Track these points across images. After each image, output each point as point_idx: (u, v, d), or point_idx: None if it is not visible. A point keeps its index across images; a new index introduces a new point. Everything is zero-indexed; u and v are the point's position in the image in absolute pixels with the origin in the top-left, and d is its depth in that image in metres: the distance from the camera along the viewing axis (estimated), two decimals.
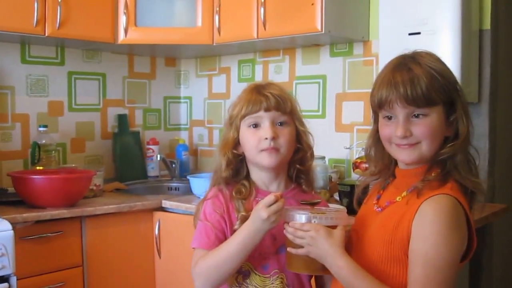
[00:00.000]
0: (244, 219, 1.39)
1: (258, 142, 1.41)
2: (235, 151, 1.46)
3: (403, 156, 1.29)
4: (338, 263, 1.24)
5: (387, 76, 1.27)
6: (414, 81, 1.23)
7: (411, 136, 1.25)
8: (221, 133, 3.26)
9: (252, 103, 1.42)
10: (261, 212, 1.29)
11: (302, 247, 1.28)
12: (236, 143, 1.46)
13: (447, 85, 1.25)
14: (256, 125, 1.42)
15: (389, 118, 1.28)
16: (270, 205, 1.29)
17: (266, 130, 1.41)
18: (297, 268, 1.34)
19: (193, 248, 1.43)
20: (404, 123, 1.25)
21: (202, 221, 1.44)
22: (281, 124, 1.43)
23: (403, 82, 1.23)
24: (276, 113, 1.42)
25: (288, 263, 1.35)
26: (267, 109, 1.41)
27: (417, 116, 1.25)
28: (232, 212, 1.43)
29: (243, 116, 1.43)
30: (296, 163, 1.49)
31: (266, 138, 1.40)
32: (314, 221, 1.28)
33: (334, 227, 1.28)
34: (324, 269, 1.28)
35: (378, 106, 1.29)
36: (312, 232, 1.26)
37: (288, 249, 1.31)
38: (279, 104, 1.42)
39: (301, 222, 1.28)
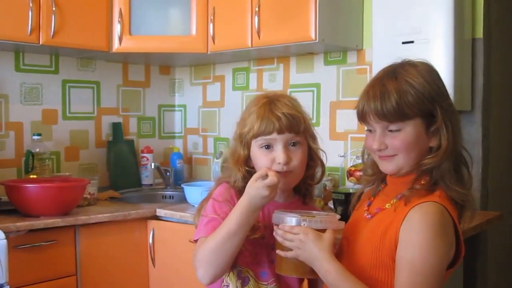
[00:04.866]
0: None
1: (271, 164, 1.38)
2: (247, 168, 1.43)
3: (383, 166, 1.33)
4: (326, 267, 1.25)
5: (366, 89, 1.31)
6: (384, 97, 1.25)
7: (387, 149, 1.28)
8: (215, 142, 3.27)
9: (265, 123, 1.37)
10: (252, 182, 1.29)
11: (291, 250, 1.28)
12: (247, 158, 1.44)
13: (422, 99, 1.25)
14: (268, 146, 1.39)
15: (370, 129, 1.32)
16: (262, 177, 1.29)
17: (279, 154, 1.37)
18: (286, 271, 1.34)
19: (195, 241, 1.39)
20: (380, 137, 1.29)
21: (207, 216, 1.39)
22: (294, 144, 1.40)
23: (374, 97, 1.26)
24: (289, 135, 1.38)
25: (278, 266, 1.35)
26: (280, 131, 1.37)
27: (392, 130, 1.27)
28: None
29: (255, 136, 1.39)
30: (307, 179, 1.47)
31: (279, 163, 1.37)
32: (304, 224, 1.28)
33: (323, 230, 1.29)
34: (313, 272, 1.29)
35: (359, 118, 1.33)
36: (301, 235, 1.26)
37: (277, 251, 1.32)
38: (292, 125, 1.38)
39: (291, 224, 1.29)
